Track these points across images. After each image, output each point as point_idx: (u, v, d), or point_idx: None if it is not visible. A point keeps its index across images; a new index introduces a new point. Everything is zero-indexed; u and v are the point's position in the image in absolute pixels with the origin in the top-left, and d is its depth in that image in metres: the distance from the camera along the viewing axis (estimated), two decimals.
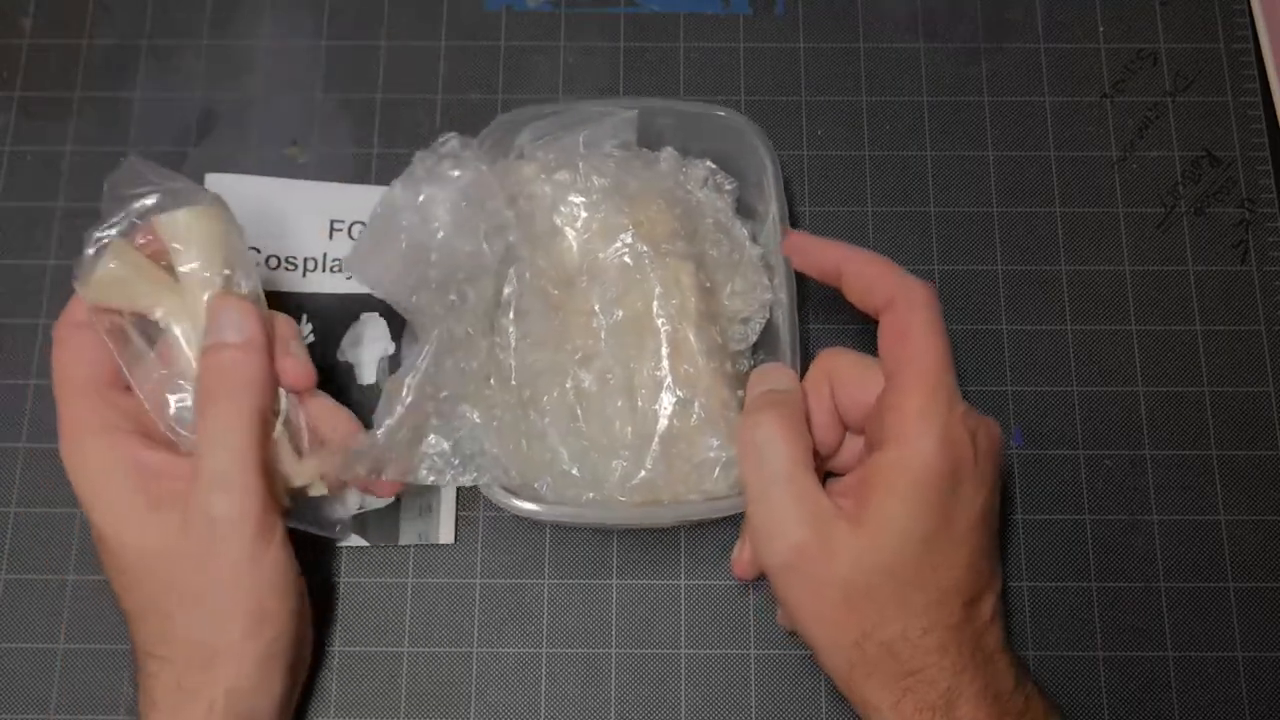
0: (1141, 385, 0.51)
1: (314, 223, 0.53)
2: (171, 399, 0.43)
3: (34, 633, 0.48)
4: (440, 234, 0.45)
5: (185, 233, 0.43)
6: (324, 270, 0.52)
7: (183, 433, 0.43)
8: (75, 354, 0.43)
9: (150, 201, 0.43)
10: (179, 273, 0.43)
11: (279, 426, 0.43)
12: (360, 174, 0.54)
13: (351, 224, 0.53)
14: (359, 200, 0.53)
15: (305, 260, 0.52)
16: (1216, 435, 0.50)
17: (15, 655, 0.48)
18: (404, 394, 0.43)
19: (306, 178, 0.54)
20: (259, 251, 0.52)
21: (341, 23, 0.57)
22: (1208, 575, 0.49)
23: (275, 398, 0.43)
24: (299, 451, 0.44)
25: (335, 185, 0.54)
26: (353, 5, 0.57)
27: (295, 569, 0.42)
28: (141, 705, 0.41)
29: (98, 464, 0.42)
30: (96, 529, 0.42)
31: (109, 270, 0.42)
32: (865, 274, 0.42)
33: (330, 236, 0.52)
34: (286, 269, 0.52)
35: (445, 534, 0.49)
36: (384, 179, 0.53)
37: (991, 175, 0.54)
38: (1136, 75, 0.56)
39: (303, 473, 0.44)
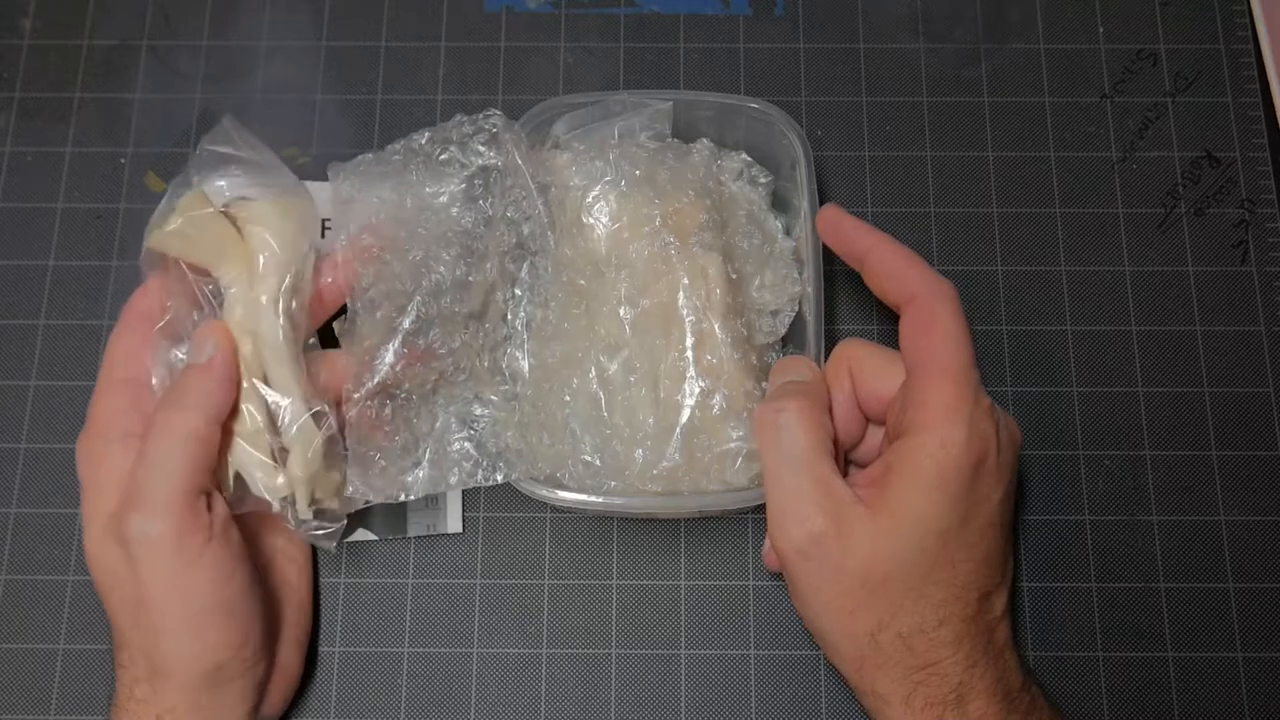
0: (1141, 385, 0.51)
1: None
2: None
3: (34, 633, 0.48)
4: (442, 198, 0.45)
5: (264, 221, 0.43)
6: None
7: None
8: (130, 344, 0.43)
9: (237, 175, 0.43)
10: (259, 259, 0.43)
11: (250, 439, 0.43)
12: None
13: None
14: None
15: None
16: (1216, 435, 0.50)
17: (15, 655, 0.48)
18: (374, 367, 0.44)
19: (306, 178, 0.54)
20: None
21: (341, 23, 0.57)
22: (1208, 575, 0.49)
23: (236, 417, 0.42)
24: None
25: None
26: (353, 5, 0.57)
27: (239, 592, 0.41)
28: (114, 700, 0.42)
29: (101, 469, 0.42)
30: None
31: (176, 225, 0.42)
32: (890, 265, 0.42)
33: (322, 235, 0.52)
34: None
35: (454, 523, 0.49)
36: None
37: (991, 175, 0.54)
38: (1136, 75, 0.56)
39: (279, 487, 0.43)
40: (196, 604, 0.40)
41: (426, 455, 0.45)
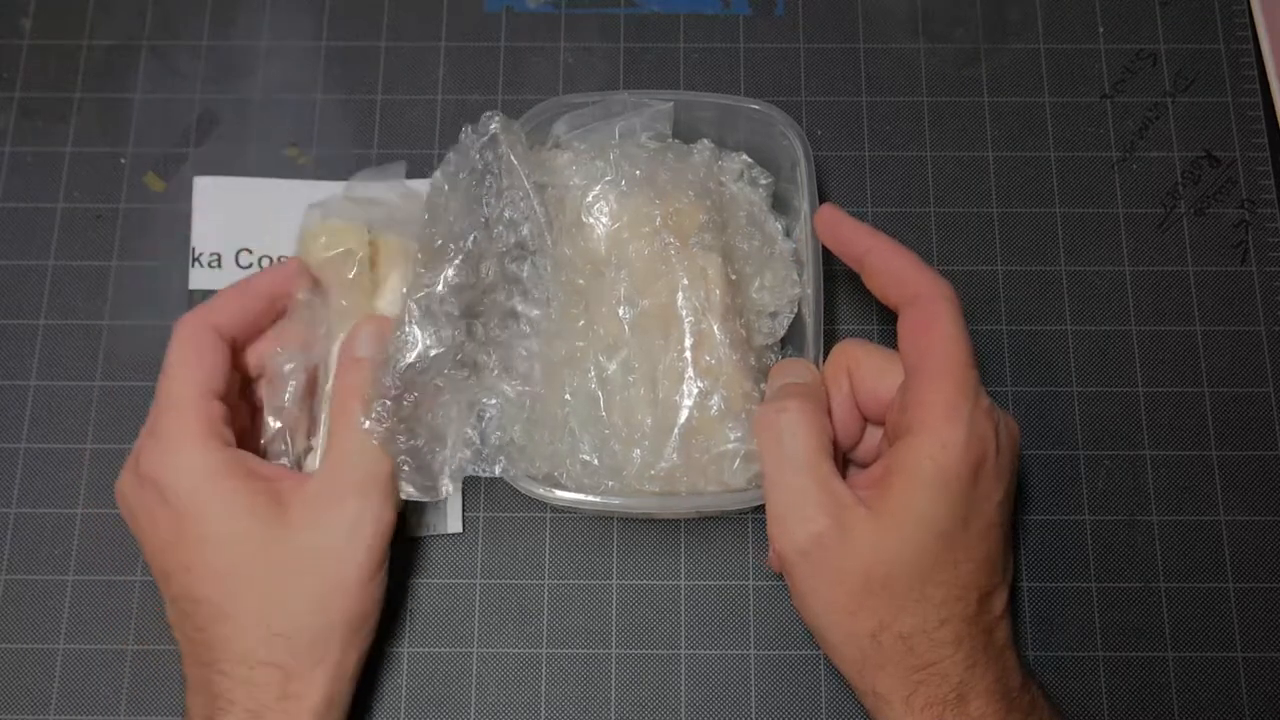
0: (1141, 385, 0.51)
1: None
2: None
3: (34, 633, 0.48)
4: (453, 204, 0.45)
5: (396, 258, 0.47)
6: None
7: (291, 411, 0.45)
8: (193, 357, 0.42)
9: (378, 215, 0.48)
10: (382, 283, 0.47)
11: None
12: None
13: None
14: None
15: None
16: (1216, 435, 0.50)
17: (15, 655, 0.48)
18: (394, 366, 0.44)
19: (306, 178, 0.54)
20: (250, 253, 0.52)
21: (341, 23, 0.57)
22: (1208, 575, 0.49)
23: None
24: None
25: (335, 185, 0.53)
26: (353, 5, 0.57)
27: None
28: (224, 705, 0.40)
29: (213, 469, 0.41)
30: (201, 540, 0.40)
31: (336, 249, 0.46)
32: (890, 265, 0.42)
33: None
34: None
35: (454, 524, 0.49)
36: None
37: (991, 175, 0.54)
38: (1136, 75, 0.56)
39: None
40: (376, 589, 0.42)
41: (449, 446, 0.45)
